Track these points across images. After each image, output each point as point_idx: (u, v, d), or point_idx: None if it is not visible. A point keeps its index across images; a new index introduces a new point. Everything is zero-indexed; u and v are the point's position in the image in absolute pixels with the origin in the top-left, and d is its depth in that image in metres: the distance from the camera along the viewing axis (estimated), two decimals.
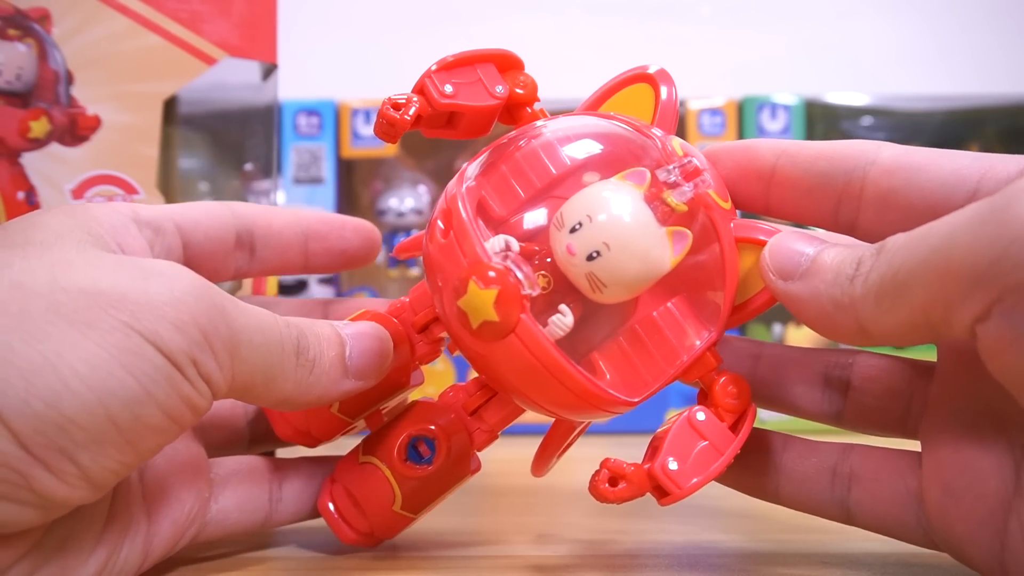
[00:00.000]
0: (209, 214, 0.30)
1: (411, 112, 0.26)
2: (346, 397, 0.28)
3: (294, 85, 0.57)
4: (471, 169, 0.27)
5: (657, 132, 0.27)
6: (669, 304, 0.27)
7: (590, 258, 0.25)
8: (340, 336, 0.27)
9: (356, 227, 0.33)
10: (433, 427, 0.29)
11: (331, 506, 0.30)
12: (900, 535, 0.27)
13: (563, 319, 0.25)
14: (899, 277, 0.22)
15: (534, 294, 0.25)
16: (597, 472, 0.25)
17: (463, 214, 0.25)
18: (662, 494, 0.25)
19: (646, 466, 0.25)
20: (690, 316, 0.27)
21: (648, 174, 0.26)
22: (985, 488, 0.24)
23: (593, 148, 0.28)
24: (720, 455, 0.26)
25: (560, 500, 0.40)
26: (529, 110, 0.29)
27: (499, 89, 0.28)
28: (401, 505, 0.29)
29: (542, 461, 0.30)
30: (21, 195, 0.35)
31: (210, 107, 0.38)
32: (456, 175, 0.27)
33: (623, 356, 0.27)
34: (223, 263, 0.31)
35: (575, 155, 0.27)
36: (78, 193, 0.36)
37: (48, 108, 0.35)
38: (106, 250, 0.25)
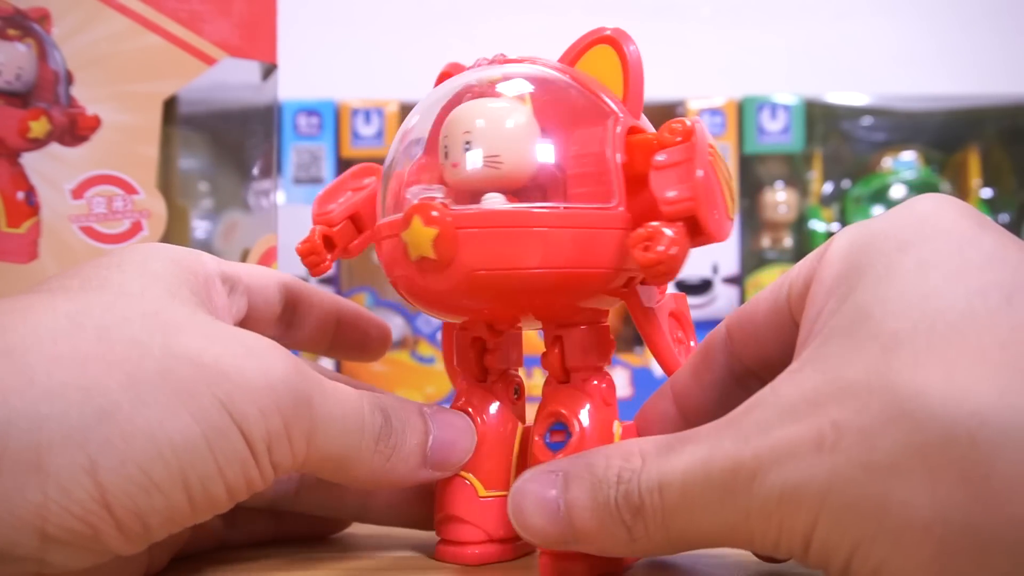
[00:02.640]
0: (266, 281, 0.31)
1: (317, 236, 0.29)
2: (421, 484, 0.28)
3: (294, 85, 0.57)
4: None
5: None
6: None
7: (467, 149, 0.26)
8: (426, 425, 0.27)
9: (379, 325, 0.34)
10: (564, 410, 0.28)
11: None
12: None
13: (493, 197, 0.26)
14: (687, 537, 0.23)
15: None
16: (633, 244, 0.24)
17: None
18: (695, 227, 0.25)
19: (641, 230, 0.25)
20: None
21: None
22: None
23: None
24: (691, 158, 0.25)
25: None
26: None
27: (367, 180, 0.31)
28: None
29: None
30: (21, 195, 0.35)
31: (210, 107, 0.38)
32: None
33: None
34: (264, 330, 0.31)
35: None
36: (78, 193, 0.36)
37: (48, 108, 0.35)
38: (205, 309, 0.26)
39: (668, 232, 0.24)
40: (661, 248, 0.24)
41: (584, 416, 0.28)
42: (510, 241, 0.25)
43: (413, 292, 0.27)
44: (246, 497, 0.24)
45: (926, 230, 0.22)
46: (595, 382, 0.28)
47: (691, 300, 0.63)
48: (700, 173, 0.25)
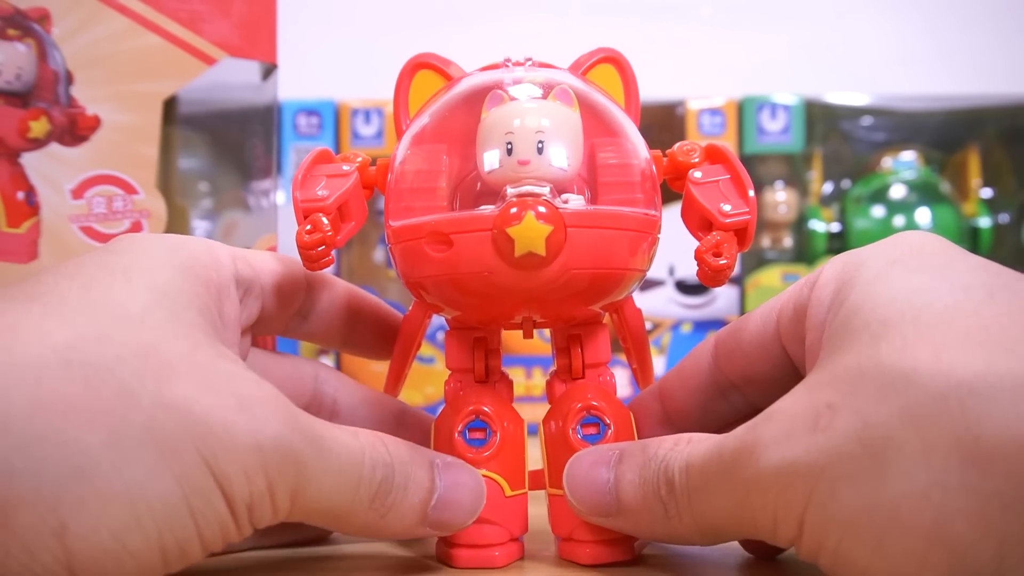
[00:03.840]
0: (283, 278, 0.30)
1: (326, 225, 0.27)
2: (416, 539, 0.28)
3: (294, 85, 0.57)
4: None
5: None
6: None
7: (540, 148, 0.26)
8: (432, 483, 0.26)
9: (397, 320, 0.33)
10: (596, 403, 0.29)
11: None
12: None
13: (574, 199, 0.27)
14: (707, 520, 0.24)
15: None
16: (705, 251, 0.27)
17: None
18: (741, 237, 0.27)
19: (712, 237, 0.27)
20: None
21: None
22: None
23: None
24: (735, 176, 0.28)
25: None
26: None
27: (345, 167, 0.29)
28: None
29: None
30: (21, 195, 0.35)
31: (210, 107, 0.38)
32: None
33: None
34: (276, 323, 0.30)
35: None
36: (78, 193, 0.36)
37: (48, 108, 0.35)
38: (210, 331, 0.24)
39: (731, 243, 0.27)
40: (728, 257, 0.27)
41: (615, 409, 0.29)
42: (606, 242, 0.26)
43: (486, 289, 0.26)
44: (220, 549, 0.23)
45: (913, 251, 0.24)
46: (607, 377, 0.30)
47: (691, 300, 0.63)
48: (752, 193, 0.27)
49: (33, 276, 0.24)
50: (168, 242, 0.26)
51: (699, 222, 0.28)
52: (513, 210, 0.25)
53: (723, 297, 0.63)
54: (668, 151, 0.29)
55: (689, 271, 0.60)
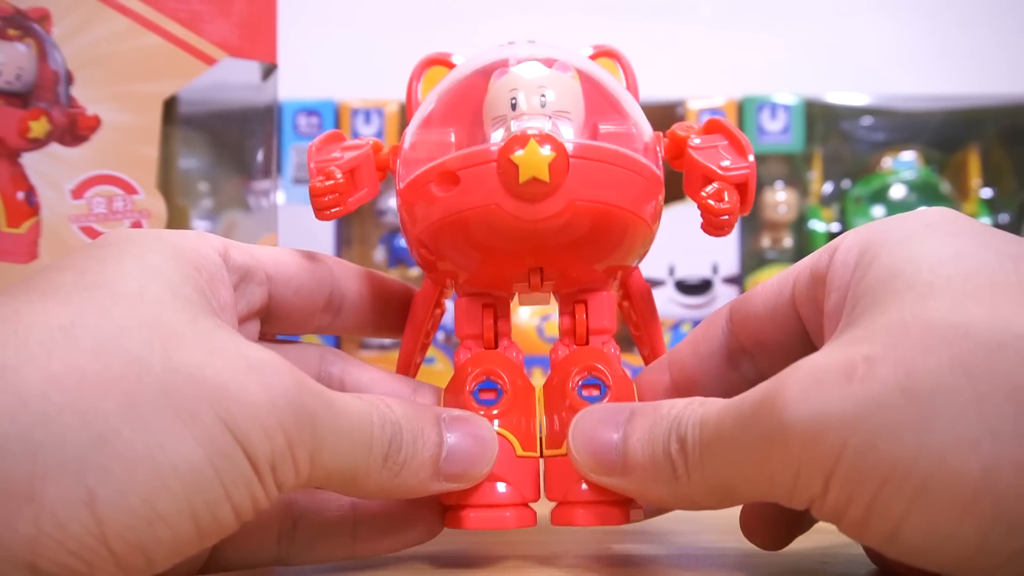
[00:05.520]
0: (305, 271, 0.29)
1: (339, 174, 0.28)
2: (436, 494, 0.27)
3: (294, 85, 0.57)
4: None
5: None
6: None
7: (542, 104, 0.27)
8: (440, 436, 0.26)
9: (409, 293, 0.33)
10: (600, 365, 0.29)
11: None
12: None
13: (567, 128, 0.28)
14: (719, 479, 0.24)
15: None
16: (707, 196, 0.27)
17: None
18: (744, 192, 0.28)
19: (712, 186, 0.28)
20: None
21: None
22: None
23: None
24: (734, 140, 0.28)
25: None
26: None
27: (359, 141, 0.30)
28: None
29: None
30: (21, 195, 0.35)
31: (210, 107, 0.38)
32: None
33: None
34: (306, 321, 0.30)
35: None
36: (78, 193, 0.36)
37: (48, 108, 0.35)
38: (208, 309, 0.24)
39: (732, 193, 0.27)
40: (729, 201, 0.27)
41: (617, 374, 0.29)
42: (611, 177, 0.27)
43: (493, 224, 0.26)
44: (251, 518, 0.22)
45: (947, 219, 0.24)
46: (611, 348, 0.29)
47: (691, 300, 0.63)
48: (752, 157, 0.28)
49: (27, 276, 0.24)
50: (155, 232, 0.26)
51: (701, 182, 0.28)
52: (517, 139, 0.26)
53: (723, 297, 0.63)
54: (668, 130, 0.30)
55: (689, 271, 0.60)
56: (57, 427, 0.19)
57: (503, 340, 0.30)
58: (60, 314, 0.21)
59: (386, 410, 0.25)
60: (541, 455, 0.29)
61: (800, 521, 0.29)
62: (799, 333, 0.27)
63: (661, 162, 0.29)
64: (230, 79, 0.38)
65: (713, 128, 0.29)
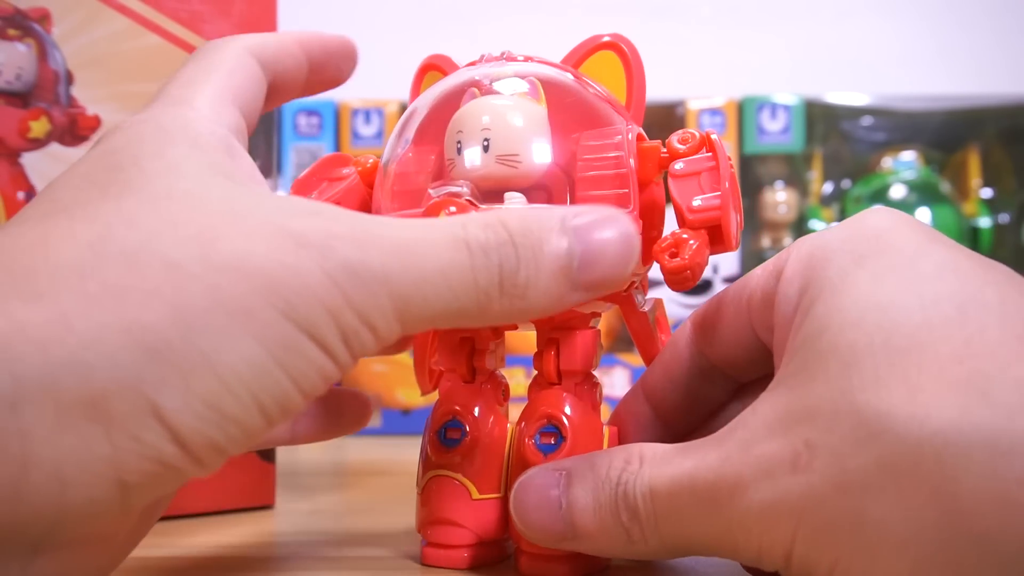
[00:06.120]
0: (252, 79, 0.28)
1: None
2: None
3: None
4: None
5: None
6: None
7: (485, 147, 0.26)
8: (568, 242, 0.23)
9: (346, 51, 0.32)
10: (556, 413, 0.28)
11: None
12: None
13: (514, 197, 0.26)
14: (678, 541, 0.24)
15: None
16: (661, 251, 0.26)
17: None
18: (716, 236, 0.26)
19: (667, 238, 0.26)
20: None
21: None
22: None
23: None
24: (716, 168, 0.26)
25: None
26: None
27: (345, 171, 0.30)
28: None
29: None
30: (21, 195, 0.35)
31: None
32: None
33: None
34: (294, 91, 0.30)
35: None
36: None
37: (48, 108, 0.35)
38: (238, 185, 0.23)
39: (693, 241, 0.25)
40: (687, 256, 0.25)
41: (576, 419, 0.27)
42: None
43: None
44: (323, 391, 0.22)
45: (880, 244, 0.23)
46: (586, 386, 0.28)
47: (691, 300, 0.63)
48: (727, 184, 0.25)
49: (42, 196, 0.22)
50: (161, 125, 0.24)
51: (678, 219, 0.27)
52: (431, 208, 0.26)
53: None
54: (667, 140, 0.27)
55: None
56: (105, 346, 0.19)
57: (480, 375, 0.29)
58: (87, 232, 0.20)
59: (484, 228, 0.22)
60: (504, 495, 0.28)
61: None
62: (763, 350, 0.27)
63: (635, 178, 0.27)
64: None
65: (703, 146, 0.27)
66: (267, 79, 0.28)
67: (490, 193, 0.26)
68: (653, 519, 0.24)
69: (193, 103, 0.25)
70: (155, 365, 0.19)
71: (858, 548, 0.20)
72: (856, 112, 0.66)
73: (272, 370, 0.20)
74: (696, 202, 0.25)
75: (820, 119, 0.66)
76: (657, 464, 0.24)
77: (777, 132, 0.64)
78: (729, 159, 0.27)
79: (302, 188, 0.30)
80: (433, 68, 0.31)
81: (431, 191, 0.26)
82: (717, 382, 0.29)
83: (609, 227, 0.23)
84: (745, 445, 0.22)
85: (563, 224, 0.23)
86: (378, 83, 0.65)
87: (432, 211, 0.25)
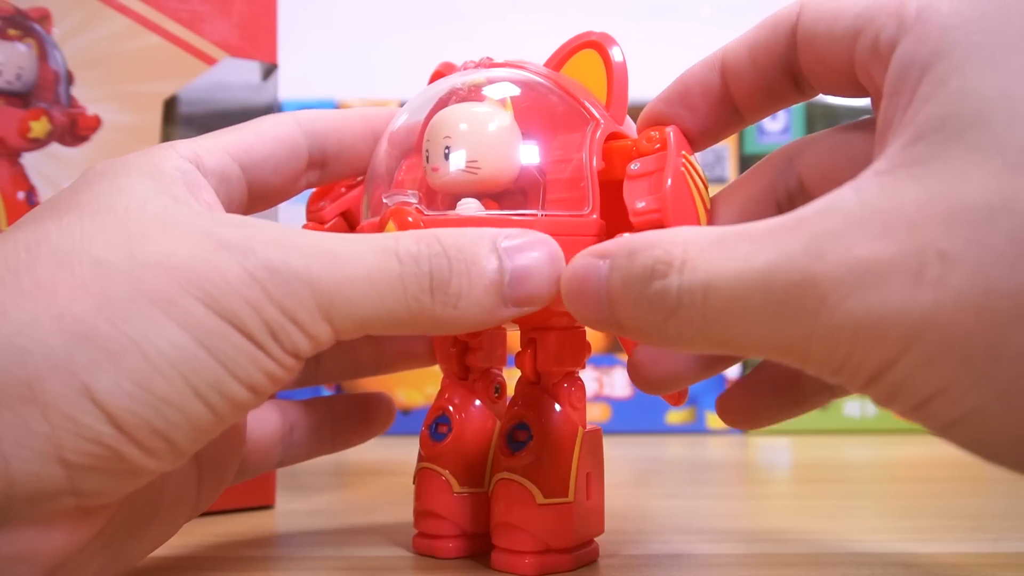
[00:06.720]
0: (279, 141, 0.29)
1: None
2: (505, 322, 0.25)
3: (294, 85, 0.57)
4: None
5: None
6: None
7: (447, 153, 0.27)
8: (498, 262, 0.23)
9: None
10: (527, 412, 0.28)
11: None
12: None
13: (467, 203, 0.27)
14: (726, 343, 0.20)
15: None
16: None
17: None
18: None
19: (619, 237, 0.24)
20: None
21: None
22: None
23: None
24: (662, 171, 0.25)
25: None
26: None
27: (343, 189, 0.33)
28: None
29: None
30: (21, 195, 0.35)
31: (210, 107, 0.38)
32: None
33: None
34: (293, 186, 0.30)
35: None
36: None
37: (48, 108, 0.35)
38: (186, 207, 0.24)
39: None
40: None
41: (546, 419, 0.28)
42: None
43: None
44: (274, 389, 0.22)
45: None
46: (565, 385, 0.29)
47: None
48: (669, 184, 0.25)
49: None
50: (125, 158, 0.25)
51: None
52: (384, 216, 0.26)
53: None
54: (635, 139, 0.27)
55: None
56: (38, 333, 0.20)
57: (473, 373, 0.30)
58: (26, 238, 0.22)
59: (422, 244, 0.23)
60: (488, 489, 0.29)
61: (795, 406, 0.27)
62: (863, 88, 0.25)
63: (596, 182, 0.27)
64: (230, 79, 0.38)
65: (663, 144, 0.26)
66: (309, 143, 0.29)
67: (455, 199, 0.27)
68: (699, 319, 0.20)
69: (176, 146, 0.26)
70: (85, 349, 0.20)
71: (983, 378, 0.18)
72: (856, 112, 0.66)
73: (198, 353, 0.21)
74: (639, 204, 0.25)
75: (820, 119, 0.66)
76: (713, 254, 0.20)
77: (777, 132, 0.64)
78: (686, 156, 0.26)
79: (322, 195, 0.32)
80: (441, 76, 0.31)
81: (384, 199, 0.27)
82: (803, 89, 0.28)
83: (536, 248, 0.24)
84: (845, 240, 0.18)
85: (494, 244, 0.24)
86: (378, 83, 0.65)
87: (384, 219, 0.26)
